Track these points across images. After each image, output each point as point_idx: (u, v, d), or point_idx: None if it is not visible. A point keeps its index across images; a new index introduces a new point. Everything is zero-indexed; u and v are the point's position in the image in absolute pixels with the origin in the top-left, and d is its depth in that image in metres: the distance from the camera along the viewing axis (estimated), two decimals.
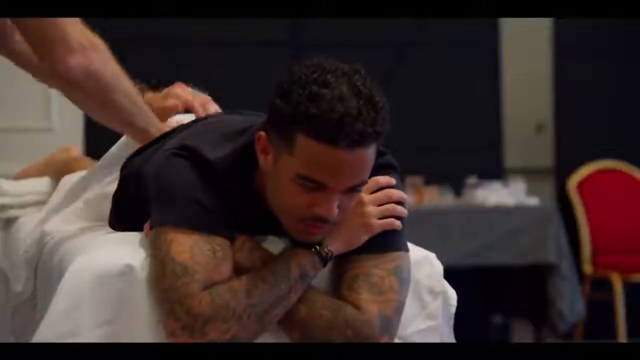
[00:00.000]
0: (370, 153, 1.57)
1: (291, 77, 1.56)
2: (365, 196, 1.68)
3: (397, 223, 1.69)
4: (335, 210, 1.59)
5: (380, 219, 1.68)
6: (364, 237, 1.67)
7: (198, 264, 1.56)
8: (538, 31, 5.32)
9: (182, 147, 1.66)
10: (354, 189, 1.60)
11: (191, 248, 1.57)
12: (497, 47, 5.24)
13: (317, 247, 1.63)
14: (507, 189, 4.83)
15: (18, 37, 1.97)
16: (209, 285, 1.56)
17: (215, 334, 1.54)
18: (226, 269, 1.60)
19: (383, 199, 1.69)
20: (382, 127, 1.55)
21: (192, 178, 1.63)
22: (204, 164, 1.64)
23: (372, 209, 1.67)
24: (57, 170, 2.46)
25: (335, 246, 1.65)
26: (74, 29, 1.70)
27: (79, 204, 1.99)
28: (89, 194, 1.99)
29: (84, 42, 1.70)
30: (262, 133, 1.62)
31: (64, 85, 1.73)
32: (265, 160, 1.62)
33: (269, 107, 1.60)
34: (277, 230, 1.67)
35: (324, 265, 1.65)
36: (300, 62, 1.59)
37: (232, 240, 1.63)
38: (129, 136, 1.95)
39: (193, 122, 1.88)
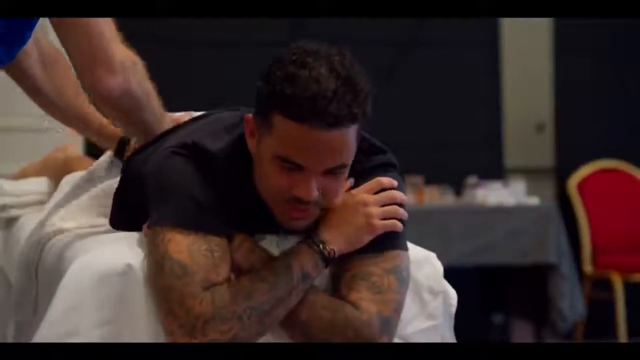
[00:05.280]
0: (348, 135, 1.57)
1: (272, 60, 1.59)
2: (368, 197, 1.68)
3: (399, 225, 1.69)
4: (315, 192, 1.59)
5: (382, 219, 1.68)
6: (367, 238, 1.67)
7: (196, 264, 1.56)
8: (538, 31, 5.32)
9: (182, 145, 1.66)
10: (333, 171, 1.60)
11: (189, 247, 1.58)
12: (497, 47, 5.24)
13: (320, 245, 1.63)
14: (507, 189, 4.82)
15: (34, 59, 1.96)
16: (208, 286, 1.56)
17: (215, 335, 1.54)
18: (224, 269, 1.60)
19: (386, 200, 1.69)
20: (360, 109, 1.56)
21: (191, 176, 1.63)
22: (205, 157, 1.64)
23: (375, 210, 1.67)
24: (55, 170, 2.46)
25: (337, 246, 1.65)
26: (118, 47, 1.73)
27: (84, 198, 1.99)
28: (93, 191, 1.99)
29: (125, 62, 1.73)
30: (250, 116, 1.64)
31: (100, 101, 1.77)
32: (252, 144, 1.63)
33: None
34: (275, 224, 1.67)
35: (326, 266, 1.65)
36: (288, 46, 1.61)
37: (229, 238, 1.63)
38: None
39: (193, 119, 1.88)
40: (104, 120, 2.03)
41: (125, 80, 1.72)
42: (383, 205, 1.69)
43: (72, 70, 1.95)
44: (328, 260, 1.65)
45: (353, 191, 1.70)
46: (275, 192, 1.61)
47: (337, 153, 1.58)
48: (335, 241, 1.65)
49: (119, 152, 2.03)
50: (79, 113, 2.03)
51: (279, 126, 1.56)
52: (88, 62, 1.71)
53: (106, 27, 1.72)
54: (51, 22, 1.73)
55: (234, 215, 1.65)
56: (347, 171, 1.64)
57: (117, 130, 2.02)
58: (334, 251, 1.65)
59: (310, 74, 1.54)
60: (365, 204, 1.67)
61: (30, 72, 1.97)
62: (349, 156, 1.61)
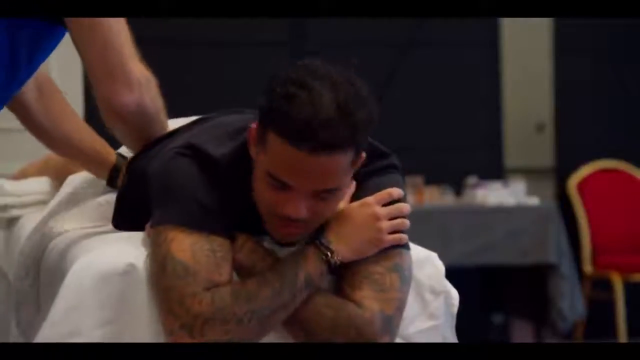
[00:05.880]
0: (338, 160, 1.55)
1: (275, 76, 1.57)
2: (380, 210, 1.68)
3: (405, 237, 1.70)
4: (303, 211, 1.58)
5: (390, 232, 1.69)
6: (375, 250, 1.68)
7: (198, 264, 1.56)
8: (538, 31, 5.32)
9: (186, 146, 1.66)
10: (324, 193, 1.59)
11: (191, 247, 1.58)
12: (497, 47, 5.24)
13: (329, 254, 1.63)
14: (507, 189, 4.83)
15: (30, 87, 1.94)
16: (209, 287, 1.56)
17: (213, 335, 1.54)
18: (226, 269, 1.60)
19: (395, 213, 1.69)
20: (353, 138, 1.54)
21: (195, 177, 1.63)
22: (208, 162, 1.65)
23: (385, 225, 1.67)
24: (56, 169, 2.46)
25: (344, 255, 1.65)
26: (135, 64, 1.74)
27: (88, 204, 1.99)
28: (97, 200, 1.99)
29: (141, 79, 1.74)
30: (254, 125, 1.63)
31: (112, 116, 1.76)
32: (254, 152, 1.63)
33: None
34: None
35: (330, 273, 1.66)
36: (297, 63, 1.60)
37: (232, 239, 1.63)
38: None
39: (196, 121, 1.89)
40: (97, 147, 2.00)
41: (140, 97, 1.73)
42: (392, 218, 1.69)
43: (69, 104, 1.94)
44: (332, 268, 1.65)
45: (364, 200, 1.70)
46: (267, 207, 1.61)
47: (325, 177, 1.57)
48: (343, 251, 1.65)
49: (111, 181, 2.00)
50: (75, 145, 1.99)
51: (272, 143, 1.55)
52: (105, 76, 1.72)
53: (125, 43, 1.73)
54: (70, 34, 1.74)
55: (236, 219, 1.65)
56: (339, 194, 1.63)
57: (110, 158, 2.00)
58: (340, 261, 1.65)
59: (308, 96, 1.52)
60: (377, 218, 1.67)
61: (24, 98, 1.93)
62: (340, 181, 1.60)
